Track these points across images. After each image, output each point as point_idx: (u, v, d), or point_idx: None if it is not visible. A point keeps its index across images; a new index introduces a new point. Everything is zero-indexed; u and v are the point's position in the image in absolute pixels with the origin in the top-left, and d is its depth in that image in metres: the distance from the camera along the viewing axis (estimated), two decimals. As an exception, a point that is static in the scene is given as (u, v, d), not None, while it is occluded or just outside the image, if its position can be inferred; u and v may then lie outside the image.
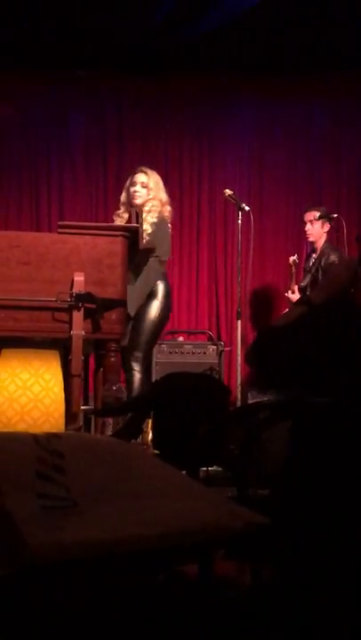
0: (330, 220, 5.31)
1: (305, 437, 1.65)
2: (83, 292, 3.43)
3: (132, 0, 5.46)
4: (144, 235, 4.16)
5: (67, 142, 6.67)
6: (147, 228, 4.24)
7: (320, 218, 5.28)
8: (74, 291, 3.44)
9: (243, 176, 6.71)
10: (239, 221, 4.86)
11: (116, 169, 6.65)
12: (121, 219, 4.43)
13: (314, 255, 5.34)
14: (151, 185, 4.40)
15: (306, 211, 5.48)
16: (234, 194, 4.93)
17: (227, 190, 4.94)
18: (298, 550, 1.57)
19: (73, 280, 3.46)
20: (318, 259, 5.23)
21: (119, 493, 1.40)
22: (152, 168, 6.65)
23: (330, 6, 5.53)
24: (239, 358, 4.93)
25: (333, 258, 5.14)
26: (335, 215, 5.34)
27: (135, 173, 4.46)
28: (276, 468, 1.79)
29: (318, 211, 5.33)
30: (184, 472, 1.82)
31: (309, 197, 6.56)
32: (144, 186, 4.39)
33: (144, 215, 4.30)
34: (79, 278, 3.45)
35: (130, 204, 4.42)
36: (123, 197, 4.49)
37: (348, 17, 5.65)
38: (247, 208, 4.83)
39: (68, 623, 1.23)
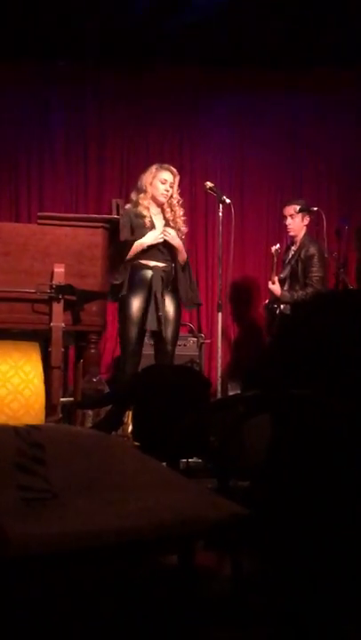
0: (310, 213, 5.33)
1: (286, 429, 1.66)
2: (63, 284, 3.41)
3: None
4: (181, 233, 4.55)
5: (47, 133, 6.61)
6: (181, 226, 4.55)
7: (300, 211, 5.29)
8: (54, 282, 3.42)
9: (224, 169, 6.71)
10: (220, 214, 4.86)
11: (97, 160, 6.62)
12: (146, 209, 4.48)
13: (293, 247, 5.35)
14: (176, 186, 4.51)
15: (285, 205, 5.48)
16: (215, 186, 4.92)
17: (208, 183, 4.93)
18: (277, 541, 1.57)
19: (53, 271, 3.44)
20: (298, 251, 5.24)
21: (100, 485, 1.39)
22: (133, 160, 6.67)
23: (314, 2, 5.54)
24: (220, 350, 4.93)
25: (313, 251, 5.16)
26: (315, 208, 5.35)
27: (162, 170, 4.53)
28: (257, 459, 1.79)
29: (298, 204, 5.33)
30: (165, 464, 1.82)
31: (290, 190, 6.58)
32: (171, 186, 4.54)
33: (178, 214, 4.55)
34: (59, 270, 3.43)
35: (154, 199, 4.51)
36: (147, 188, 4.51)
37: (332, 14, 5.66)
38: (228, 200, 4.82)
39: (51, 615, 1.23)
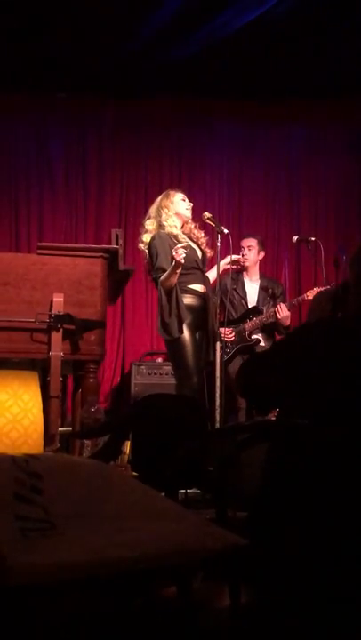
0: (307, 242, 5.44)
1: (282, 459, 1.66)
2: (62, 313, 3.43)
3: (114, 24, 5.52)
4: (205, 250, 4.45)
5: (47, 164, 6.68)
6: (203, 241, 4.50)
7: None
8: (53, 312, 3.44)
9: (222, 200, 6.77)
10: (218, 244, 4.88)
11: (96, 191, 6.68)
12: (176, 227, 4.35)
13: (247, 278, 5.40)
14: None
15: (244, 237, 5.59)
16: (213, 217, 4.96)
17: (206, 213, 4.95)
18: (274, 572, 1.57)
19: (52, 301, 3.46)
20: (263, 284, 5.39)
21: (97, 515, 1.39)
22: (132, 190, 6.72)
23: (309, 35, 5.64)
24: (218, 380, 4.92)
25: (281, 289, 5.44)
26: (313, 239, 5.42)
27: (175, 192, 4.51)
28: (254, 489, 1.79)
29: (255, 239, 5.48)
30: (163, 494, 1.82)
31: (288, 221, 6.64)
32: (190, 201, 4.52)
33: (197, 233, 4.49)
34: (58, 299, 3.46)
35: (179, 217, 4.44)
36: (170, 207, 4.40)
37: (328, 47, 5.76)
38: (226, 231, 4.84)
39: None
